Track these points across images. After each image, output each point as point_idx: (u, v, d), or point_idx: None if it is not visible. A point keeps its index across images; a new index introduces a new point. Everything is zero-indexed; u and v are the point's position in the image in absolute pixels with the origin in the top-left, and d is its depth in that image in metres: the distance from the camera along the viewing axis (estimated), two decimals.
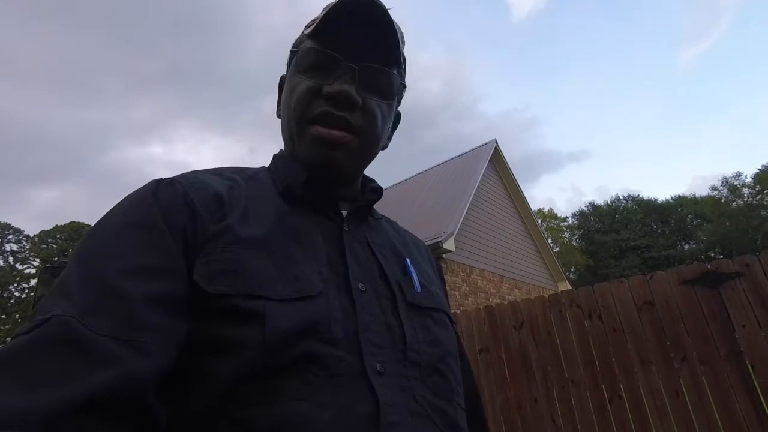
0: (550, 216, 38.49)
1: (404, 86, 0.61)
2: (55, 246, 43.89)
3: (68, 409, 0.30)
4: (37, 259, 43.54)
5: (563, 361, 2.85)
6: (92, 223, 0.45)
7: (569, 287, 12.33)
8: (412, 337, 0.48)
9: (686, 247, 35.08)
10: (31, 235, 44.91)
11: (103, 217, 0.44)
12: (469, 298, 8.10)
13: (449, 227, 7.95)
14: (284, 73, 0.62)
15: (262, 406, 0.38)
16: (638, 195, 40.49)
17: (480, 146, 11.75)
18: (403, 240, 0.65)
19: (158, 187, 0.46)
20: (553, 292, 3.13)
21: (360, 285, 0.48)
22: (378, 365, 0.43)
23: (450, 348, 0.53)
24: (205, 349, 0.39)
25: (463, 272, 8.29)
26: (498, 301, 9.00)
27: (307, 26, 0.58)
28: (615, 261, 34.62)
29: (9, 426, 0.27)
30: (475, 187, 9.48)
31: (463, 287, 8.12)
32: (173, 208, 0.44)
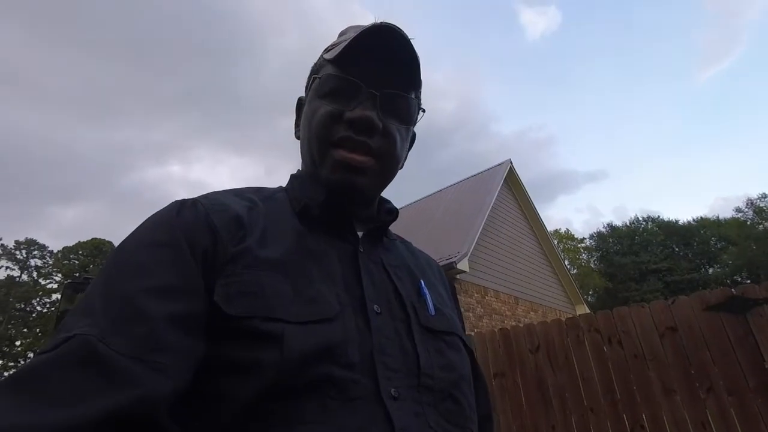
0: (567, 237, 37.88)
1: (423, 110, 0.62)
2: (77, 262, 44.88)
3: (83, 428, 0.30)
4: (60, 275, 44.50)
5: (582, 388, 2.75)
6: (113, 240, 0.46)
7: (587, 310, 12.02)
8: (426, 362, 0.48)
9: (710, 270, 33.98)
10: (55, 251, 46.13)
11: (128, 236, 0.45)
12: (483, 320, 7.95)
13: (463, 248, 7.88)
14: (302, 95, 0.64)
15: (279, 427, 0.38)
16: (658, 216, 39.64)
17: (494, 166, 11.72)
18: (417, 260, 0.65)
19: (181, 207, 0.47)
20: (570, 315, 3.05)
21: (375, 307, 0.49)
22: (393, 390, 0.43)
23: (463, 373, 0.52)
24: (223, 369, 0.39)
25: (477, 293, 8.16)
26: (513, 323, 8.80)
27: (327, 50, 0.59)
28: (635, 284, 33.67)
29: None
30: (490, 207, 9.42)
31: (478, 309, 7.98)
32: (195, 230, 0.45)
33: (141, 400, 0.33)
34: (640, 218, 40.22)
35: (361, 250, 0.54)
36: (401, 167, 0.63)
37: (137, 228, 0.46)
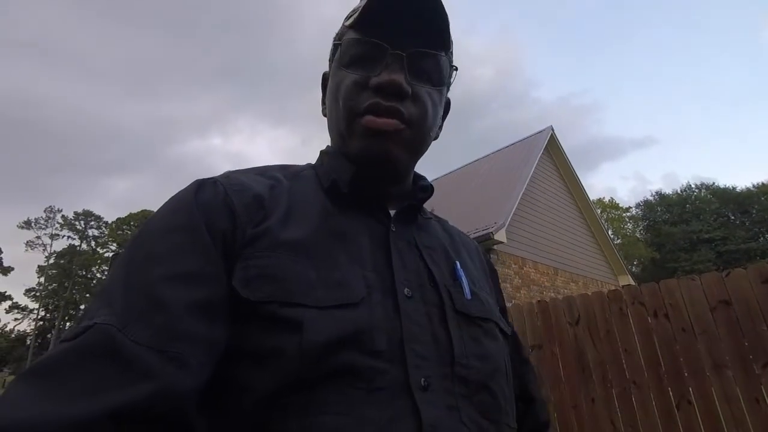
0: (611, 206, 36.32)
1: (455, 69, 0.57)
2: (129, 232, 47.90)
3: (101, 420, 0.30)
4: (115, 244, 47.80)
5: (624, 362, 2.68)
6: None
7: (631, 281, 11.60)
8: (461, 350, 0.45)
9: None
10: (110, 222, 49.33)
11: (147, 220, 0.44)
12: (521, 291, 7.86)
13: (501, 218, 7.72)
14: (326, 69, 0.60)
15: (300, 418, 0.36)
16: (713, 183, 37.06)
17: (535, 134, 11.24)
18: (452, 240, 0.61)
19: (199, 188, 0.46)
20: (612, 286, 2.95)
21: (406, 290, 0.46)
22: (423, 380, 0.41)
23: (500, 364, 0.49)
24: (242, 357, 0.38)
25: (515, 264, 8.04)
26: (552, 294, 8.66)
27: (348, 17, 0.54)
28: (685, 254, 32.06)
29: None
30: (529, 176, 9.10)
31: (515, 280, 7.89)
32: (214, 211, 0.43)
33: (158, 392, 0.33)
34: (693, 185, 37.82)
35: (393, 229, 0.51)
36: (436, 137, 0.58)
37: (157, 211, 0.45)
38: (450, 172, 13.14)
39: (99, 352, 0.33)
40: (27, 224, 46.19)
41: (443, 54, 0.53)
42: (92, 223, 49.86)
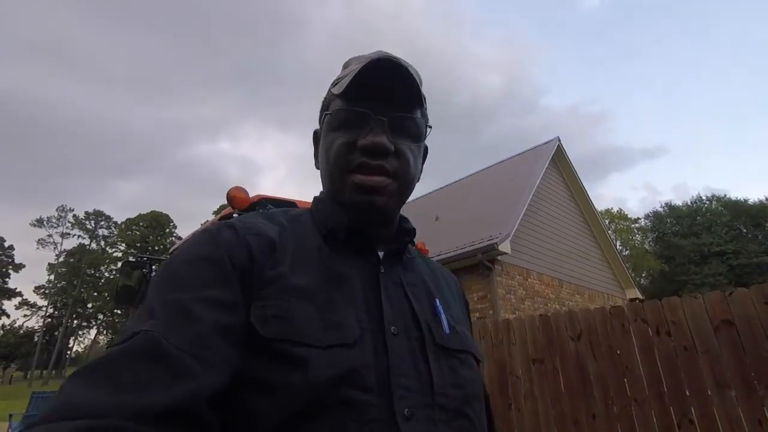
0: (620, 217, 35.95)
1: (430, 127, 0.65)
2: (138, 233, 48.38)
3: (153, 411, 0.35)
4: (123, 244, 48.29)
5: (625, 378, 2.66)
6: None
7: (638, 294, 11.47)
8: (440, 380, 0.51)
9: None
10: (119, 222, 49.87)
11: (176, 252, 0.51)
12: (525, 303, 7.81)
13: (506, 229, 7.69)
14: (317, 127, 0.69)
15: None
16: (725, 195, 36.71)
17: (541, 144, 11.20)
18: (434, 276, 0.68)
19: (219, 230, 0.53)
20: (619, 299, 2.94)
21: (393, 328, 0.52)
22: (406, 410, 0.46)
23: (475, 391, 0.55)
24: (253, 387, 0.43)
25: (519, 275, 8.00)
26: (557, 306, 8.59)
27: (334, 84, 0.63)
28: (695, 267, 31.62)
29: (109, 417, 0.33)
30: (535, 187, 9.06)
31: (519, 291, 7.83)
32: (234, 248, 0.50)
33: (197, 392, 0.38)
34: (704, 197, 37.41)
35: (382, 270, 0.58)
36: (418, 180, 0.66)
37: (183, 245, 0.53)
38: (454, 182, 13.14)
39: (147, 354, 0.38)
40: (39, 222, 46.87)
41: (419, 114, 0.61)
42: (102, 223, 50.46)
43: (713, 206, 35.99)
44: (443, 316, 0.59)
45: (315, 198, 0.68)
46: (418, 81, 0.59)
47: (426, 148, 0.69)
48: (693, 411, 2.37)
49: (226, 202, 2.34)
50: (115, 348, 0.39)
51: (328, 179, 0.62)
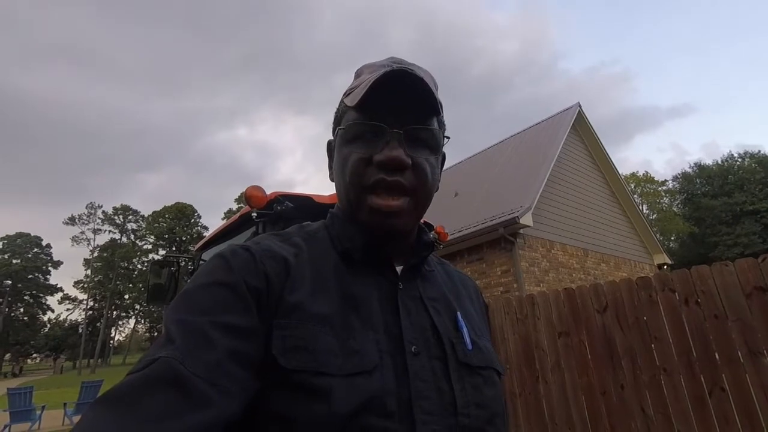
0: (646, 180, 34.84)
1: (447, 138, 0.63)
2: (165, 225, 49.78)
3: None
4: (152, 236, 49.84)
5: (654, 348, 2.65)
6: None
7: (666, 259, 11.20)
8: (463, 401, 0.51)
9: None
10: (146, 215, 51.38)
11: (193, 278, 0.51)
12: (549, 275, 7.75)
13: (526, 201, 7.57)
14: (330, 138, 0.67)
15: None
16: (759, 151, 34.86)
17: (561, 111, 10.86)
18: (453, 285, 0.67)
19: (233, 253, 0.52)
20: (647, 265, 2.88)
21: (413, 348, 0.51)
22: None
23: (498, 409, 0.54)
24: (273, 417, 0.44)
25: (542, 247, 7.91)
26: (582, 276, 8.49)
27: (346, 94, 0.61)
28: (727, 228, 30.52)
29: None
30: (556, 156, 8.84)
31: (543, 263, 7.76)
32: (250, 272, 0.50)
33: (215, 421, 0.38)
34: (736, 154, 35.72)
35: (401, 287, 0.57)
36: (437, 190, 0.64)
37: (199, 271, 0.52)
38: (473, 155, 12.93)
39: (166, 382, 0.39)
40: (71, 220, 48.70)
41: (435, 124, 0.59)
42: (130, 217, 52.02)
43: (746, 163, 34.37)
44: (465, 330, 0.58)
45: (330, 213, 0.66)
46: (433, 89, 0.56)
47: (444, 155, 0.66)
48: (725, 379, 2.35)
49: (245, 190, 2.37)
50: (134, 375, 0.39)
51: (344, 196, 0.60)
